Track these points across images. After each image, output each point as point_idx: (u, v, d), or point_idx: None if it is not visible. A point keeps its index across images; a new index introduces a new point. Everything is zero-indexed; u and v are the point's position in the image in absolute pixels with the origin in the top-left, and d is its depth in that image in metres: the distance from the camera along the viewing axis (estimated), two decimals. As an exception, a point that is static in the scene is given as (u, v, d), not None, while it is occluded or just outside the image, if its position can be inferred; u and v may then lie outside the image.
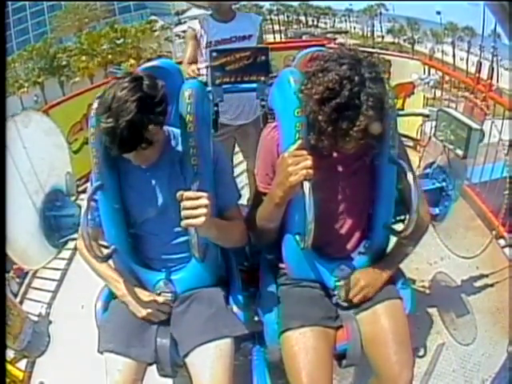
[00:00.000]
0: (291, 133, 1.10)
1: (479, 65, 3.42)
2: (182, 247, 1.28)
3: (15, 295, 2.53)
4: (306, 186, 1.01)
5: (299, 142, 1.09)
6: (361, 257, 1.29)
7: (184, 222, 0.99)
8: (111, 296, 1.36)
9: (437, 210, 1.78)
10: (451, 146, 1.76)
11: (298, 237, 1.18)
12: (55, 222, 1.91)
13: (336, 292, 1.26)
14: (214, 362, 1.18)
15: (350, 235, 1.29)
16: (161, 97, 1.06)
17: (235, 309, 1.32)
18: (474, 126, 1.67)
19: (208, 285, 1.34)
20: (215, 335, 1.22)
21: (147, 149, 1.08)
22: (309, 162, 1.01)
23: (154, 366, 1.27)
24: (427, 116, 2.63)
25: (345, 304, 1.27)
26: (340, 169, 1.22)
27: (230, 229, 1.24)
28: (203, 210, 0.98)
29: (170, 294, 1.31)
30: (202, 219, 0.98)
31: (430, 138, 2.13)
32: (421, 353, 1.86)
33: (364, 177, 1.23)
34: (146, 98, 1.03)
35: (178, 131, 1.24)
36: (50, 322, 2.12)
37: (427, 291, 2.24)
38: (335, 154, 1.19)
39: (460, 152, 1.72)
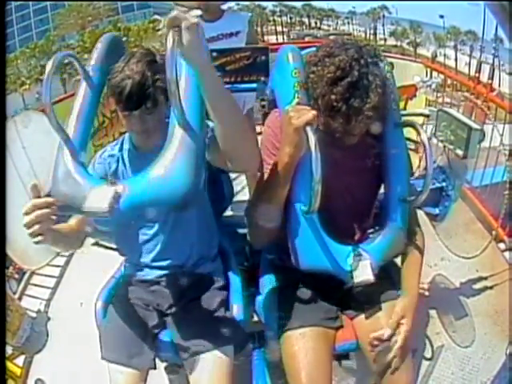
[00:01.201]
0: (290, 94, 1.11)
1: (479, 65, 3.43)
2: None
3: (14, 292, 2.53)
4: (311, 136, 0.96)
5: (299, 98, 1.10)
6: (378, 238, 1.18)
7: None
8: (111, 296, 1.35)
9: (437, 210, 1.78)
10: (451, 146, 1.76)
11: (303, 206, 1.07)
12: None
13: (353, 273, 1.11)
14: (213, 369, 1.18)
15: (362, 217, 1.27)
16: None
17: (235, 309, 1.31)
18: (474, 125, 1.66)
19: (180, 199, 0.96)
20: (215, 342, 1.20)
21: (152, 113, 1.10)
22: (311, 110, 0.98)
23: (156, 369, 1.27)
24: (427, 116, 2.62)
25: (360, 289, 1.16)
26: (349, 152, 1.16)
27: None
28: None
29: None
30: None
31: (430, 138, 2.13)
32: (428, 355, 1.85)
33: (373, 158, 1.22)
34: (156, 62, 1.11)
35: None
36: (49, 319, 2.11)
37: (426, 293, 2.23)
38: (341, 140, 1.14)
39: (460, 152, 1.71)
